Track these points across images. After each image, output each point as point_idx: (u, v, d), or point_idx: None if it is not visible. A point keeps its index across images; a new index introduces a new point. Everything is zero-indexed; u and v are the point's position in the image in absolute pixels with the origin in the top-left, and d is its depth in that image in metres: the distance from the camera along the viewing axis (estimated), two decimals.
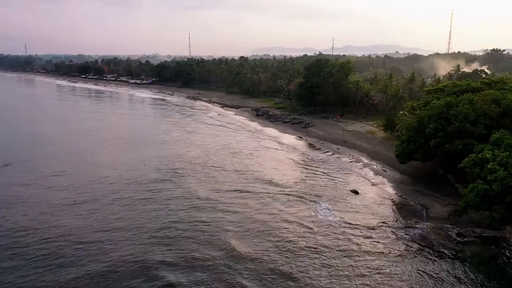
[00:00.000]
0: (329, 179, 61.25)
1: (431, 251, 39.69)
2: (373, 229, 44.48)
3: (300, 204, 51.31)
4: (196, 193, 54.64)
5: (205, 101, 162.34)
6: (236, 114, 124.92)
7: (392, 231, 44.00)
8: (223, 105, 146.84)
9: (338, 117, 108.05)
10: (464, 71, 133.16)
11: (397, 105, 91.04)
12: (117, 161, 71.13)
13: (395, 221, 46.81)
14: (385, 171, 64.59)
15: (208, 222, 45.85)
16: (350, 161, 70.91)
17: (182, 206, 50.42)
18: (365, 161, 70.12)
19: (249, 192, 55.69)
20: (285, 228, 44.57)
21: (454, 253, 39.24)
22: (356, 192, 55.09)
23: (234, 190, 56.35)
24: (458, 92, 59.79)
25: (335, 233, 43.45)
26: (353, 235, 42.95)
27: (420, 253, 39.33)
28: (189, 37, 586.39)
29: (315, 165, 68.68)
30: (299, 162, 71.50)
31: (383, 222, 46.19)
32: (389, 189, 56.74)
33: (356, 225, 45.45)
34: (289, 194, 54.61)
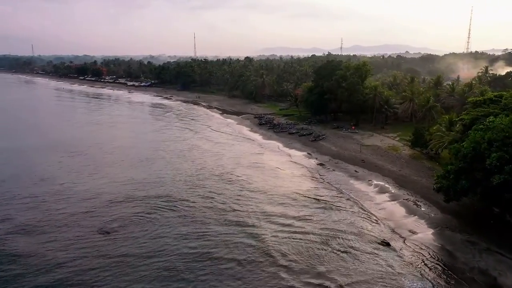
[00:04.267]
0: (350, 220, 46.42)
1: None
2: None
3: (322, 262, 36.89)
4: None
5: (204, 106, 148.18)
6: (236, 123, 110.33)
7: None
8: (223, 111, 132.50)
9: (353, 127, 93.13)
10: (495, 74, 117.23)
11: (427, 116, 75.87)
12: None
13: None
14: (420, 206, 49.64)
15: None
16: (373, 191, 56.00)
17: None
18: (392, 191, 55.12)
19: (257, 227, 43.34)
20: None
21: None
22: (387, 244, 40.38)
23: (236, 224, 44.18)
24: None
25: None
26: None
27: None
28: (194, 37, 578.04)
29: (329, 197, 53.88)
30: (309, 191, 56.50)
31: None
32: (431, 239, 41.78)
33: None
34: (301, 240, 40.29)
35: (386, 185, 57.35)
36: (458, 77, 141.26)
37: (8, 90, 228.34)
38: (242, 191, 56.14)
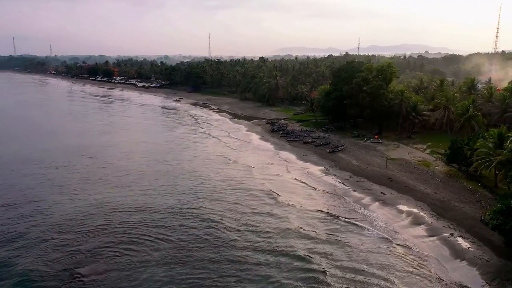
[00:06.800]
0: (383, 265, 36.65)
1: None
2: None
3: None
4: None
5: (213, 109, 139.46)
6: (246, 130, 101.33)
7: None
8: (233, 116, 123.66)
9: (376, 137, 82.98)
10: None
11: (465, 126, 65.33)
12: None
13: None
14: (467, 245, 39.57)
15: None
16: (405, 221, 46.01)
17: None
18: (429, 222, 45.11)
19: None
20: None
21: None
22: None
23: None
24: None
25: None
26: None
27: None
28: (209, 37, 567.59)
29: (352, 233, 44.10)
30: (327, 223, 47.11)
31: None
32: None
33: None
34: None
35: (421, 213, 47.37)
36: (490, 79, 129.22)
37: (23, 91, 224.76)
38: (262, 222, 47.22)
